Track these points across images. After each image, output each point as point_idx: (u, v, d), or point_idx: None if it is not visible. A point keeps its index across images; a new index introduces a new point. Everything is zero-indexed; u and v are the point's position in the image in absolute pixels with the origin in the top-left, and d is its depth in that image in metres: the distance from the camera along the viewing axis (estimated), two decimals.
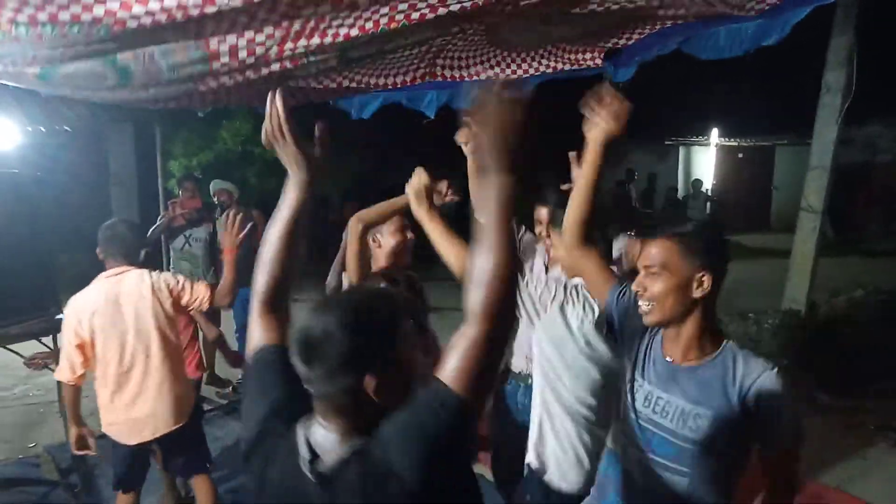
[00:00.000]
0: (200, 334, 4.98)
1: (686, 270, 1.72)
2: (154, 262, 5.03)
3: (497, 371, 1.33)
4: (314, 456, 1.21)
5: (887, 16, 7.91)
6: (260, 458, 1.29)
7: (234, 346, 5.69)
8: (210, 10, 2.41)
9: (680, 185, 17.38)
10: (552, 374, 2.40)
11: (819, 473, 4.20)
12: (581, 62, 4.00)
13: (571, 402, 2.35)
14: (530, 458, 2.49)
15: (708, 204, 12.61)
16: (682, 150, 17.92)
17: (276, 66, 3.11)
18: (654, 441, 1.84)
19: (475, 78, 4.05)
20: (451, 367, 1.16)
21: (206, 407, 4.81)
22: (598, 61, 3.92)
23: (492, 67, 4.04)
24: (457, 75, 4.12)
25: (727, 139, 16.25)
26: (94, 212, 10.73)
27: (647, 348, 1.92)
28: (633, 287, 1.84)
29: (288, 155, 1.60)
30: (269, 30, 2.66)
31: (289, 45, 2.90)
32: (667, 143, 16.63)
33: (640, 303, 1.82)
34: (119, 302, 3.05)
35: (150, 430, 3.10)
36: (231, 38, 2.75)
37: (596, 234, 2.10)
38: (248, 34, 2.72)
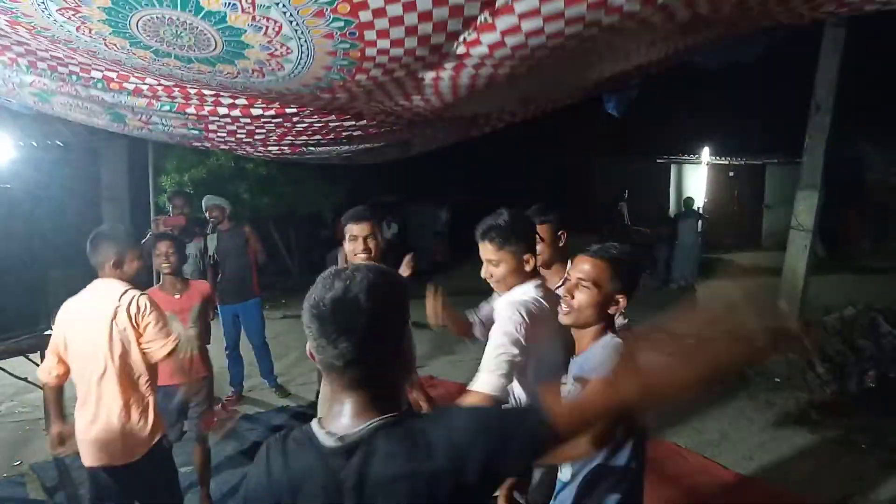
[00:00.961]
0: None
1: (610, 290, 1.99)
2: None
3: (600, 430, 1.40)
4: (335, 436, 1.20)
5: (875, 37, 8.01)
6: None
7: (223, 363, 5.66)
8: (208, 92, 2.49)
9: (671, 203, 17.45)
10: None
11: (811, 492, 4.19)
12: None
13: None
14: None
15: (699, 222, 12.65)
16: (673, 168, 18.02)
17: (274, 149, 3.23)
18: None
19: None
20: (569, 404, 1.26)
21: None
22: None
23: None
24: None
25: (718, 158, 16.35)
26: (88, 227, 10.62)
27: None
28: (562, 292, 2.08)
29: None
30: (269, 114, 2.71)
31: (288, 138, 3.04)
32: (658, 161, 16.72)
33: (561, 305, 2.06)
34: (88, 315, 2.85)
35: (103, 458, 2.84)
36: (227, 122, 2.80)
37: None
38: (245, 120, 2.78)
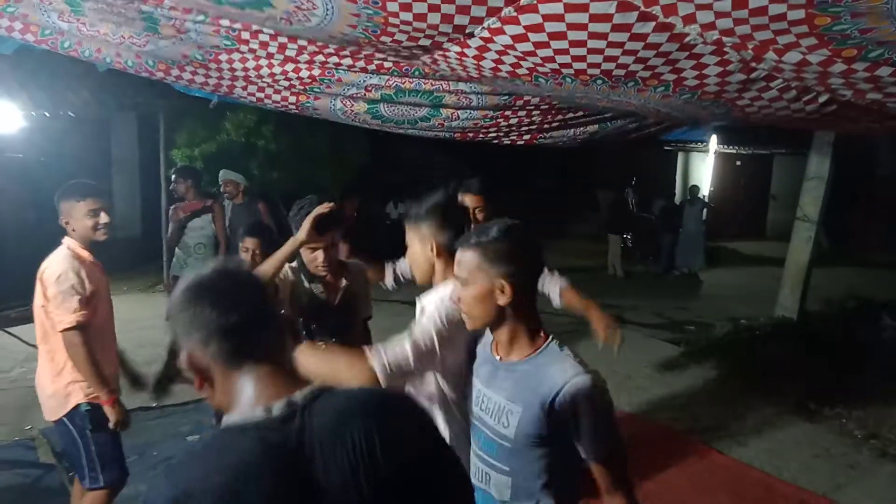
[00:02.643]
0: None
1: (486, 280, 1.69)
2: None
3: None
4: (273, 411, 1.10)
5: None
6: None
7: None
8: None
9: (678, 191, 17.44)
10: None
11: (807, 481, 4.26)
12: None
13: None
14: None
15: (704, 210, 12.66)
16: (680, 156, 17.98)
17: (304, 73, 3.28)
18: (481, 439, 1.84)
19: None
20: None
21: None
22: None
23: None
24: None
25: (726, 146, 16.30)
26: None
27: (479, 348, 1.94)
28: (452, 297, 1.84)
29: None
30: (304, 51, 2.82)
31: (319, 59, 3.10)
32: (666, 148, 16.68)
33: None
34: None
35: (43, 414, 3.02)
36: (259, 33, 2.84)
37: None
38: (277, 35, 2.84)
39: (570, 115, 4.05)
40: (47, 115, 7.90)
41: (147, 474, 4.07)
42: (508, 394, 1.74)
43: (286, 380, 1.16)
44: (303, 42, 2.91)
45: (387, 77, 3.29)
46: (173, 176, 6.39)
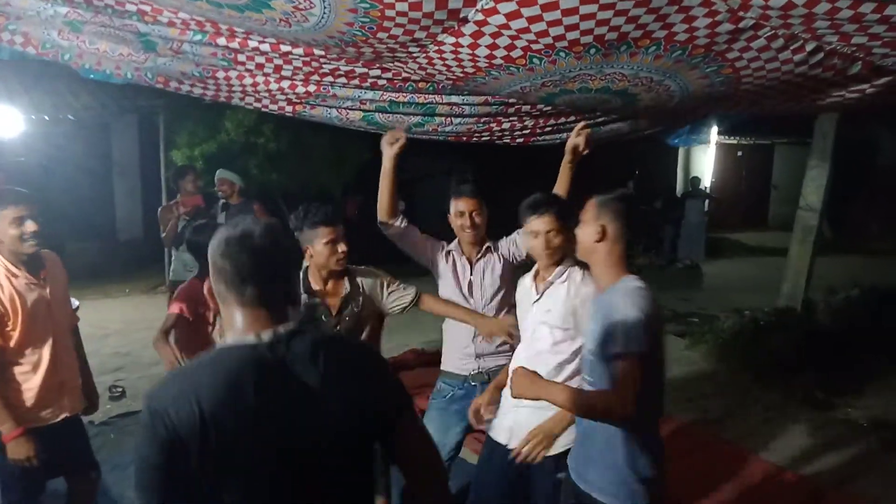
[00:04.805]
0: None
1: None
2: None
3: None
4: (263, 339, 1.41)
5: None
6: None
7: None
8: (239, 30, 2.63)
9: (679, 183, 17.42)
10: None
11: (812, 470, 4.26)
12: None
13: None
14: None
15: (706, 201, 12.64)
16: (681, 148, 17.95)
17: (300, 89, 3.34)
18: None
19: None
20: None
21: None
22: None
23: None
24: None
25: (727, 137, 16.27)
26: (99, 201, 10.80)
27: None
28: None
29: None
30: (298, 52, 2.80)
31: (314, 78, 3.15)
32: (666, 141, 16.64)
33: None
34: None
35: None
36: (256, 54, 2.88)
37: None
38: (273, 54, 2.87)
39: (562, 119, 4.10)
40: (47, 118, 7.90)
41: None
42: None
43: (275, 319, 1.44)
44: (297, 63, 2.95)
45: (381, 92, 3.36)
46: (173, 176, 6.36)
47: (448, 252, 3.33)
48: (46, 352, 2.79)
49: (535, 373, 2.27)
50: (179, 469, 1.29)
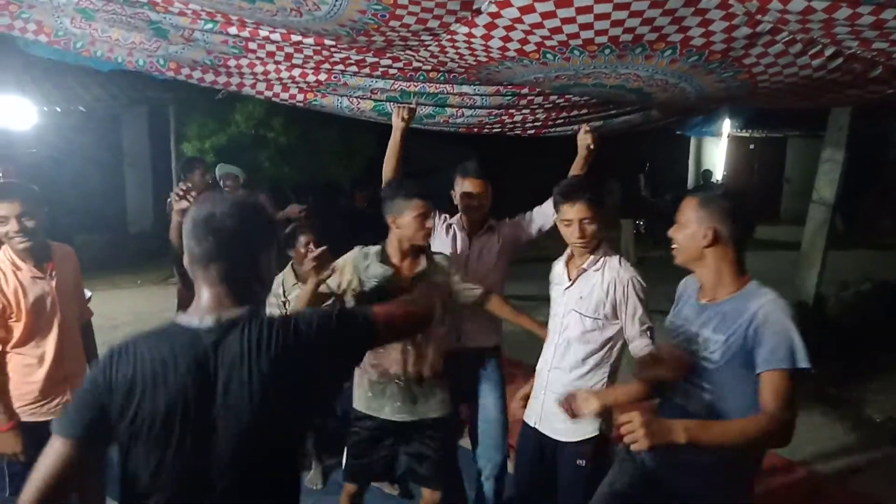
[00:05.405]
0: None
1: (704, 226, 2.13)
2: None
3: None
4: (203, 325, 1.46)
5: None
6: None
7: None
8: (250, 20, 2.62)
9: (690, 176, 17.31)
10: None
11: (824, 466, 4.24)
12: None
13: None
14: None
15: None
16: (693, 140, 17.82)
17: (311, 78, 3.35)
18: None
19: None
20: (384, 308, 1.68)
21: None
22: None
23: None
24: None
25: (739, 130, 16.13)
26: (109, 193, 10.85)
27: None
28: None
29: None
30: (308, 41, 2.80)
31: (325, 66, 3.16)
32: (678, 132, 16.55)
33: None
34: None
35: None
36: (267, 42, 2.88)
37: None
38: (284, 43, 2.86)
39: (575, 112, 4.06)
40: (59, 110, 7.94)
41: None
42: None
43: (239, 299, 1.48)
44: (308, 52, 2.93)
45: (392, 81, 3.34)
46: (182, 167, 6.38)
47: (449, 225, 3.41)
48: (51, 345, 2.77)
49: (662, 420, 1.92)
50: (100, 416, 1.41)
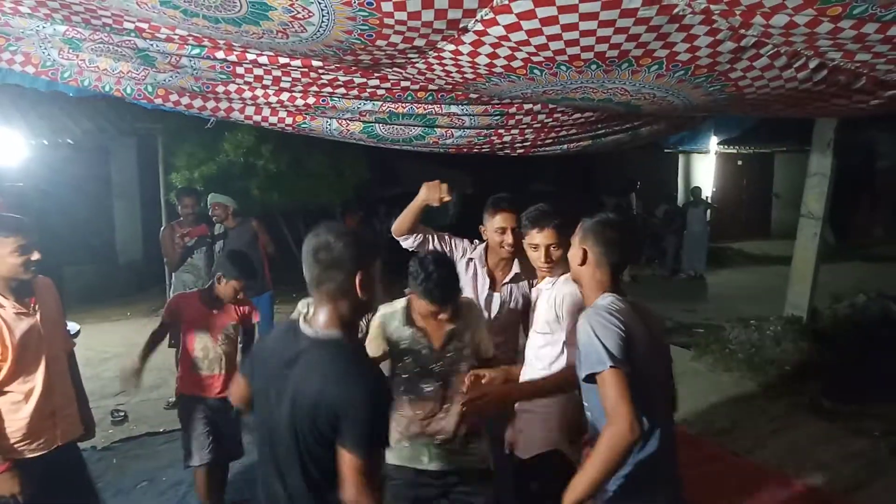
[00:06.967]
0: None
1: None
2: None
3: None
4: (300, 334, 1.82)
5: None
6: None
7: None
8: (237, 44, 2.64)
9: (680, 194, 17.38)
10: None
11: (820, 479, 4.20)
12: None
13: None
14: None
15: (707, 211, 12.63)
16: (681, 158, 17.94)
17: (300, 101, 3.37)
18: None
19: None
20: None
21: None
22: None
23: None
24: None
25: (726, 147, 16.27)
26: (98, 224, 10.80)
27: None
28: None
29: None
30: (296, 63, 2.80)
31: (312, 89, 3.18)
32: (666, 150, 16.65)
33: None
34: None
35: None
36: (254, 66, 2.89)
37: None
38: (271, 66, 2.87)
39: (563, 132, 4.09)
40: (46, 143, 7.91)
41: (158, 499, 4.04)
42: None
43: (329, 321, 1.80)
44: (296, 74, 2.94)
45: (380, 103, 3.35)
46: (176, 197, 6.35)
47: (470, 260, 3.17)
48: (39, 379, 2.71)
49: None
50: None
